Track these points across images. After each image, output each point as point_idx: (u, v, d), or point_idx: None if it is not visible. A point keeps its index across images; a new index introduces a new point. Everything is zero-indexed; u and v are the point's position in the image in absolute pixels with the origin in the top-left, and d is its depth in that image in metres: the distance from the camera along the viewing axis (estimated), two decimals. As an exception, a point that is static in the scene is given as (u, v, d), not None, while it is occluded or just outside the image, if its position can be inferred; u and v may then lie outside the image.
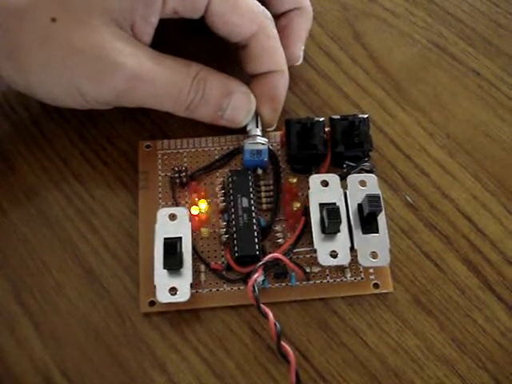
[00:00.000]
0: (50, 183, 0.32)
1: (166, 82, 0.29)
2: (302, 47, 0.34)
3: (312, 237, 0.29)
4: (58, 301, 0.29)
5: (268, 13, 0.31)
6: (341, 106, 0.35)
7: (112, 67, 0.28)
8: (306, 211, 0.30)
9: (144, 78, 0.28)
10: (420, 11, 0.38)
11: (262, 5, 0.31)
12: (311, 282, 0.30)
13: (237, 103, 0.31)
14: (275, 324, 0.26)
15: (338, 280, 0.30)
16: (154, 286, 0.28)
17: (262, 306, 0.27)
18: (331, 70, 0.36)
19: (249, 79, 0.32)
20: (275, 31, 0.31)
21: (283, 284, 0.30)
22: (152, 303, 0.29)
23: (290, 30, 0.33)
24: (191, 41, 0.36)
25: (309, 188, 0.30)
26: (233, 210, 0.30)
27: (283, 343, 0.26)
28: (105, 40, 0.28)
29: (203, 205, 0.31)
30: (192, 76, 0.29)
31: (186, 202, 0.31)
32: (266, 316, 0.27)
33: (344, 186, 0.30)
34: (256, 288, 0.27)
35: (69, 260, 0.30)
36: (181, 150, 0.33)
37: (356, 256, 0.28)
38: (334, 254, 0.28)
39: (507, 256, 0.31)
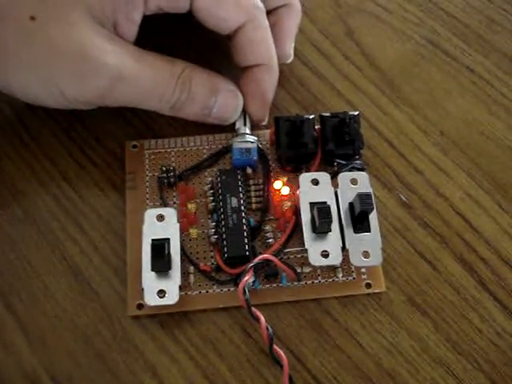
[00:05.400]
0: (37, 183, 0.32)
1: (149, 81, 0.28)
2: (292, 44, 0.34)
3: (303, 236, 0.28)
4: (45, 304, 0.29)
5: (259, 3, 0.30)
6: (333, 104, 0.35)
7: (94, 66, 0.27)
8: (296, 210, 0.30)
9: (127, 77, 0.28)
10: (413, 7, 0.38)
11: None
12: (302, 283, 0.29)
13: (223, 101, 0.30)
14: (267, 328, 0.26)
15: (330, 280, 0.29)
16: (142, 289, 0.27)
17: (253, 309, 0.26)
18: (323, 66, 0.36)
19: (239, 75, 0.32)
20: (266, 22, 0.31)
21: (274, 285, 0.29)
22: (140, 306, 0.28)
23: (279, 28, 0.33)
24: (178, 36, 0.35)
25: (299, 187, 0.29)
26: (222, 210, 0.29)
27: (276, 347, 0.26)
28: (86, 38, 0.27)
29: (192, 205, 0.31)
30: (177, 75, 0.29)
31: (174, 203, 0.31)
32: (257, 320, 0.26)
33: (335, 185, 0.29)
34: (247, 291, 0.27)
35: (56, 262, 0.30)
36: (168, 150, 0.32)
37: (348, 256, 0.28)
38: (325, 254, 0.28)
39: (502, 255, 0.31)
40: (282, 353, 0.26)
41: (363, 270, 0.30)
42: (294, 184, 0.31)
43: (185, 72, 0.29)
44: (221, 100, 0.30)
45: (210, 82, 0.30)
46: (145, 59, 0.29)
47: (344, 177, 0.29)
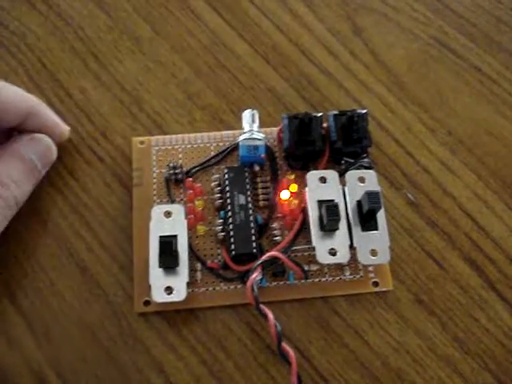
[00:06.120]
0: (44, 180, 0.31)
1: None
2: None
3: (310, 234, 0.28)
4: (52, 300, 0.29)
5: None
6: (341, 102, 0.35)
7: None
8: (303, 208, 0.30)
9: None
10: (421, 6, 0.38)
11: None
12: (310, 281, 0.29)
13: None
14: (275, 325, 0.26)
15: (337, 278, 0.29)
16: (149, 286, 0.27)
17: (261, 306, 0.26)
18: (331, 65, 0.36)
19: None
20: None
21: (281, 282, 0.29)
22: (147, 303, 0.28)
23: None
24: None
25: (306, 185, 0.29)
26: (229, 207, 0.29)
27: (284, 344, 0.26)
28: None
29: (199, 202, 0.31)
30: None
31: (182, 200, 0.31)
32: (265, 317, 0.26)
33: (342, 183, 0.29)
34: (255, 288, 0.27)
35: (63, 258, 0.30)
36: (176, 147, 0.32)
37: (355, 254, 0.28)
38: (332, 252, 0.28)
39: (510, 255, 0.31)
40: (290, 350, 0.26)
41: (371, 268, 0.30)
42: (301, 182, 0.31)
43: None
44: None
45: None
46: None
47: (352, 175, 0.29)
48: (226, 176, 0.30)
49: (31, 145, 0.30)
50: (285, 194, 0.31)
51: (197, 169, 0.31)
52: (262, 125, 0.32)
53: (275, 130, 0.33)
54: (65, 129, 0.32)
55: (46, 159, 0.31)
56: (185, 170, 0.31)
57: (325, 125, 0.31)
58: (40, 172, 0.30)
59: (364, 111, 0.31)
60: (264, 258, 0.28)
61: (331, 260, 0.28)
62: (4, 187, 0.28)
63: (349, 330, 0.29)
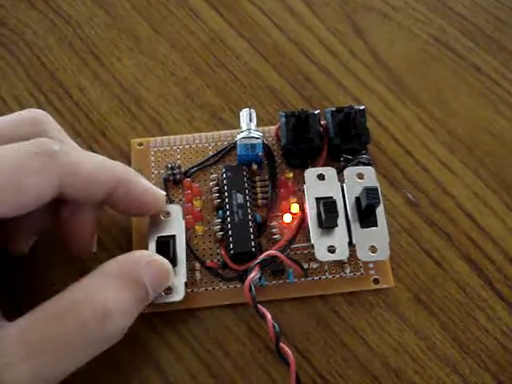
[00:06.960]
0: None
1: None
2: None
3: (309, 232, 0.28)
4: (51, 299, 0.29)
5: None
6: (340, 100, 0.35)
7: None
8: (302, 206, 0.30)
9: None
10: (420, 5, 0.38)
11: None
12: (309, 279, 0.29)
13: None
14: (274, 325, 0.26)
15: (337, 276, 0.29)
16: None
17: (259, 306, 0.26)
18: (331, 63, 0.36)
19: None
20: None
21: (281, 281, 0.29)
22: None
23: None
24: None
25: (305, 182, 0.29)
26: (228, 206, 0.29)
27: (282, 344, 0.26)
28: None
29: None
30: None
31: (180, 200, 0.31)
32: (263, 317, 0.26)
33: (341, 180, 0.29)
34: (253, 288, 0.26)
35: (63, 259, 0.30)
36: (174, 147, 0.32)
37: (355, 251, 0.28)
38: (331, 249, 0.27)
39: (509, 254, 0.31)
40: (288, 350, 0.25)
41: (371, 265, 0.29)
42: (299, 179, 0.31)
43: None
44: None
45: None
46: None
47: (350, 171, 0.29)
48: (224, 175, 0.30)
49: (149, 268, 0.25)
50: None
51: (195, 169, 0.31)
52: (261, 123, 0.32)
53: (274, 128, 0.33)
54: (158, 196, 0.28)
55: (159, 287, 0.26)
56: (183, 170, 0.31)
57: (323, 122, 0.31)
58: (149, 301, 0.25)
59: (361, 107, 0.31)
60: (263, 256, 0.27)
61: (330, 257, 0.27)
62: (107, 318, 0.23)
63: (348, 329, 0.29)
